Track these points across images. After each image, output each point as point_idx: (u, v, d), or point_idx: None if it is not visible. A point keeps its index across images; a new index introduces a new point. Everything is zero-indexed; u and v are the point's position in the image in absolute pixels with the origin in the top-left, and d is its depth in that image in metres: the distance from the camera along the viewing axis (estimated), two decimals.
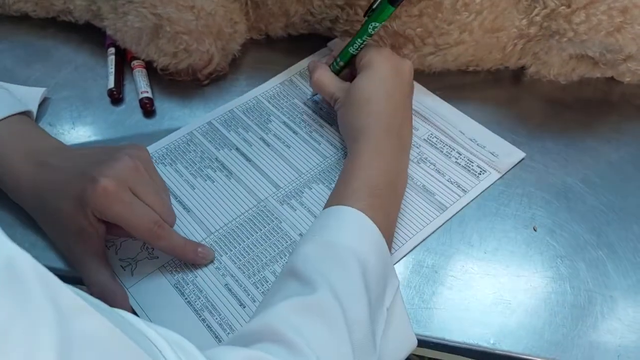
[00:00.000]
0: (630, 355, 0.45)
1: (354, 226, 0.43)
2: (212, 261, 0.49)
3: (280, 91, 0.63)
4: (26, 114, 0.54)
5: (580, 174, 0.57)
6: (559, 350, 0.45)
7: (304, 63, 0.66)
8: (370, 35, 0.54)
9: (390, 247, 0.47)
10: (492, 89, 0.65)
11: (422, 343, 0.46)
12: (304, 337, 0.35)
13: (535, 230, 0.52)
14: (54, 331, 0.22)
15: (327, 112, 0.61)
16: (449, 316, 0.47)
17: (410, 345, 0.43)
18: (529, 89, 0.65)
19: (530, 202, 0.54)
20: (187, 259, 0.48)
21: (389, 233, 0.47)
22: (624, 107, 0.64)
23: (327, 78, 0.57)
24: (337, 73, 0.59)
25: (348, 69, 0.59)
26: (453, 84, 0.65)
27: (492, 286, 0.48)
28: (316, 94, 0.62)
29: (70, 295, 0.24)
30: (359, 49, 0.56)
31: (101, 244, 0.47)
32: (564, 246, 0.51)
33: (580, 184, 0.56)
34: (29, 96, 0.60)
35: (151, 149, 0.57)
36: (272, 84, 0.64)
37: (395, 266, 0.49)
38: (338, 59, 0.58)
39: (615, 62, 0.60)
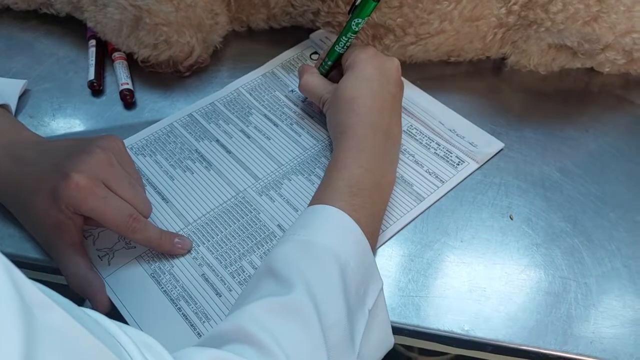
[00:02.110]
0: (603, 342, 0.45)
1: (334, 226, 0.43)
2: (189, 251, 0.49)
3: (261, 83, 0.63)
4: (4, 107, 0.54)
5: (558, 163, 0.57)
6: (533, 336, 0.45)
7: (286, 55, 0.66)
8: (355, 32, 0.54)
9: (374, 246, 0.47)
10: (473, 80, 0.65)
11: (398, 330, 0.47)
12: (274, 337, 0.35)
13: (511, 218, 0.52)
14: (17, 320, 0.22)
15: (308, 104, 0.61)
16: (424, 304, 0.47)
17: (387, 345, 0.43)
18: (509, 80, 0.65)
19: (508, 192, 0.54)
20: (164, 250, 0.48)
21: (373, 233, 0.46)
22: (604, 98, 0.64)
23: (314, 81, 0.57)
24: (327, 74, 0.59)
25: (337, 70, 0.59)
26: (434, 74, 0.65)
27: (467, 274, 0.49)
28: (306, 98, 0.61)
29: (34, 290, 0.24)
30: (345, 47, 0.56)
31: (78, 235, 0.47)
32: (540, 234, 0.51)
33: (558, 173, 0.56)
34: (9, 88, 0.60)
35: (131, 140, 0.57)
36: (254, 76, 0.64)
37: None
38: (326, 59, 0.58)
39: (594, 52, 0.61)
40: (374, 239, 0.47)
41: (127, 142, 0.57)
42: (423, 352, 1.21)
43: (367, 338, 0.41)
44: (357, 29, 0.54)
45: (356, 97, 0.51)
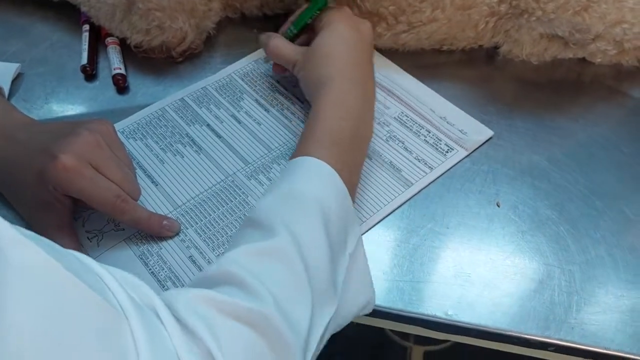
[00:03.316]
0: (585, 327, 0.45)
1: (314, 174, 0.44)
2: (177, 234, 0.49)
3: (253, 69, 0.63)
4: None
5: (546, 152, 0.57)
6: (515, 321, 0.46)
7: None
8: (326, 4, 0.55)
9: (353, 197, 0.48)
10: (466, 68, 0.65)
11: (382, 314, 0.47)
12: (259, 279, 0.36)
13: (498, 206, 0.53)
14: None
15: (300, 90, 0.61)
16: (408, 288, 0.48)
17: (367, 299, 0.43)
18: (502, 69, 0.66)
19: (495, 179, 0.55)
20: (152, 232, 0.49)
21: (351, 182, 0.47)
22: (595, 88, 0.65)
23: (283, 44, 0.58)
24: (291, 40, 0.60)
25: (303, 37, 0.60)
26: (427, 63, 0.65)
27: (452, 260, 0.49)
28: (268, 59, 0.63)
29: (8, 227, 0.25)
30: (313, 17, 0.57)
31: (67, 217, 0.47)
32: (526, 221, 0.52)
33: (546, 162, 0.56)
34: (2, 71, 0.60)
35: (123, 124, 0.58)
36: (246, 62, 0.64)
37: None
38: (292, 27, 0.59)
39: (585, 42, 0.61)
40: (352, 190, 0.47)
41: (118, 126, 0.57)
42: (419, 340, 1.22)
43: (348, 284, 0.41)
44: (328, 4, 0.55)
45: (333, 52, 0.52)
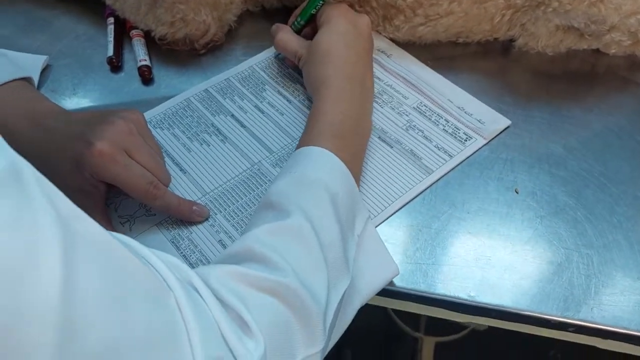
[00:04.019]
0: (604, 308, 0.47)
1: (321, 162, 0.46)
2: (207, 219, 0.51)
3: (274, 61, 0.65)
4: (27, 80, 0.56)
5: (562, 140, 0.59)
6: (535, 303, 0.47)
7: None
8: None
9: (357, 182, 0.50)
10: (482, 60, 0.67)
11: (405, 296, 0.49)
12: (280, 254, 0.38)
13: (517, 192, 0.54)
14: (55, 228, 0.24)
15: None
16: (431, 271, 0.49)
17: (390, 271, 0.46)
18: (517, 60, 0.67)
19: (513, 167, 0.56)
20: (183, 217, 0.50)
21: (355, 172, 0.49)
22: (609, 79, 0.66)
23: (289, 38, 0.60)
24: (298, 32, 0.62)
25: (309, 28, 0.62)
26: (444, 55, 0.67)
27: (473, 244, 0.51)
28: (279, 53, 0.64)
29: (67, 202, 0.27)
30: (318, 8, 0.59)
31: (101, 202, 0.49)
32: (544, 207, 0.53)
33: (562, 150, 0.58)
34: (31, 63, 0.62)
35: (149, 114, 0.59)
36: (267, 54, 0.66)
37: (381, 224, 0.51)
38: (298, 18, 0.61)
39: (600, 33, 0.62)
40: (356, 178, 0.49)
41: (146, 115, 0.58)
42: (430, 331, 1.23)
43: (358, 261, 0.44)
44: None
45: (332, 50, 0.54)
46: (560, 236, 0.51)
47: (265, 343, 0.33)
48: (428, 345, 1.23)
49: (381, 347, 1.25)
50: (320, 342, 0.36)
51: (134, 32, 0.66)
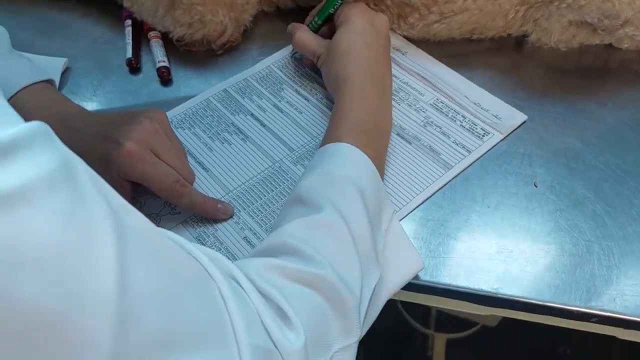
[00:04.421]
0: (625, 298, 0.48)
1: (348, 158, 0.47)
2: (231, 216, 0.52)
3: (292, 61, 0.66)
4: (49, 82, 0.57)
5: (579, 135, 0.59)
6: (559, 293, 0.48)
7: None
8: None
9: (381, 177, 0.50)
10: (495, 56, 0.67)
11: (430, 290, 0.49)
12: (315, 248, 0.39)
13: (535, 186, 0.55)
14: (108, 221, 0.25)
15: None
16: (454, 264, 0.50)
17: (416, 265, 0.46)
18: (530, 56, 0.68)
19: (531, 161, 0.57)
20: (207, 215, 0.51)
21: (379, 167, 0.50)
22: (622, 73, 0.66)
23: (308, 37, 0.61)
24: (316, 31, 0.62)
25: (327, 27, 0.62)
26: (458, 52, 0.67)
27: (494, 237, 0.51)
28: (296, 52, 0.65)
29: (117, 196, 0.27)
30: (336, 7, 0.59)
31: (128, 200, 0.50)
32: (563, 200, 0.54)
33: (579, 143, 0.58)
34: (52, 66, 0.63)
35: (169, 114, 0.60)
36: (284, 54, 0.66)
37: (403, 220, 0.52)
38: (316, 18, 0.62)
39: (613, 28, 0.63)
40: (381, 170, 0.50)
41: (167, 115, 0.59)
42: (440, 328, 1.24)
43: (386, 256, 0.45)
44: None
45: (351, 49, 0.55)
46: (580, 228, 0.52)
47: (306, 333, 0.33)
48: (440, 341, 1.23)
49: (392, 344, 1.26)
50: (356, 333, 0.37)
51: (151, 33, 0.66)
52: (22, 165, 0.23)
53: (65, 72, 0.65)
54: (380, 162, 0.51)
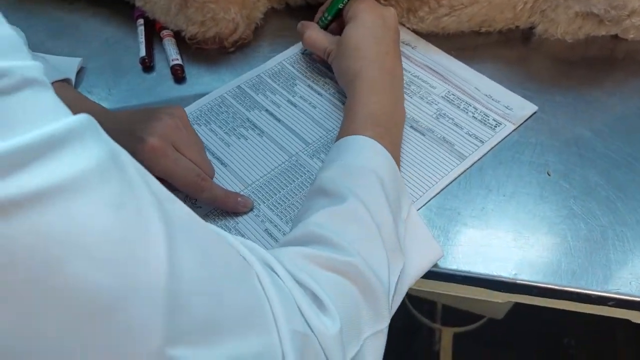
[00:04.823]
0: None
1: (366, 150, 0.48)
2: (251, 209, 0.52)
3: (303, 57, 0.67)
4: (66, 81, 0.58)
5: (588, 124, 0.60)
6: (576, 278, 0.49)
7: None
8: None
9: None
10: (504, 48, 0.68)
11: (449, 277, 0.50)
12: (342, 237, 0.39)
13: (549, 174, 0.56)
14: (155, 210, 0.26)
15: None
16: (472, 252, 0.51)
17: (435, 254, 0.47)
18: (538, 48, 0.69)
19: (543, 150, 0.58)
20: (228, 208, 0.52)
21: (396, 158, 0.51)
22: (628, 64, 0.67)
23: (317, 35, 0.62)
24: (325, 28, 0.63)
25: (336, 23, 0.63)
26: (466, 45, 0.68)
27: (510, 224, 0.52)
28: (307, 49, 0.66)
29: (160, 186, 0.28)
30: (345, 3, 0.60)
31: None
32: (577, 188, 0.55)
33: (590, 133, 0.59)
34: (67, 66, 0.63)
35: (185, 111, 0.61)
36: (295, 50, 0.67)
37: (420, 210, 0.53)
38: (326, 14, 0.63)
39: (620, 18, 0.64)
40: (397, 162, 0.51)
41: None
42: (447, 322, 1.25)
43: (406, 244, 0.45)
44: None
45: (361, 44, 0.56)
46: (595, 215, 0.53)
47: (341, 319, 0.34)
48: (447, 335, 1.24)
49: (399, 339, 1.27)
50: (386, 319, 0.38)
51: (164, 32, 0.67)
52: (75, 155, 0.24)
53: (79, 72, 0.65)
54: (396, 153, 0.52)
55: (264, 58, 0.67)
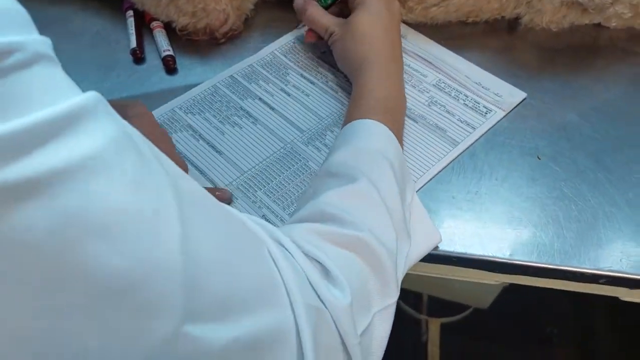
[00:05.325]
0: (631, 259, 0.50)
1: (376, 134, 0.49)
2: (230, 202, 0.53)
3: (295, 46, 0.67)
4: None
5: (576, 109, 0.62)
6: (568, 258, 0.50)
7: None
8: None
9: None
10: (491, 38, 0.70)
11: (446, 259, 0.51)
12: (352, 214, 0.40)
13: (539, 158, 0.57)
14: (169, 187, 0.26)
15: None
16: (468, 234, 0.52)
17: (434, 238, 0.49)
18: (523, 37, 0.70)
19: (533, 135, 0.59)
20: None
21: (401, 144, 0.52)
22: (611, 51, 0.69)
23: (320, 13, 0.62)
24: (325, 9, 0.63)
25: (337, 8, 0.63)
26: (454, 34, 0.69)
27: (504, 207, 0.53)
28: (303, 25, 0.66)
29: (172, 163, 0.28)
30: None
31: None
32: (566, 171, 0.56)
33: (577, 117, 0.61)
34: None
35: (179, 100, 0.61)
36: (287, 39, 0.68)
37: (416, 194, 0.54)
38: None
39: (604, 6, 0.65)
40: (402, 146, 0.52)
41: (175, 102, 0.61)
42: (433, 312, 1.26)
43: (412, 229, 0.46)
44: None
45: (371, 32, 0.57)
46: (585, 196, 0.54)
47: (352, 292, 0.35)
48: (434, 326, 1.26)
49: None
50: (394, 294, 0.39)
51: (154, 23, 0.67)
52: (91, 133, 0.24)
53: (70, 64, 0.65)
54: (400, 139, 0.52)
55: (255, 48, 0.68)
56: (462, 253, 0.51)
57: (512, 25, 0.71)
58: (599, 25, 0.70)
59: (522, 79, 0.64)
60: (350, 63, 0.58)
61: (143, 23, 0.69)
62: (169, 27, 0.67)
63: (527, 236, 0.52)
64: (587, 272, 0.50)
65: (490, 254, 0.51)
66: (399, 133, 0.52)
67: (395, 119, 0.52)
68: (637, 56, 0.68)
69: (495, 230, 0.52)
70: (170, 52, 0.65)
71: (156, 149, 0.28)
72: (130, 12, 0.68)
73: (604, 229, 0.52)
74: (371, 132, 0.49)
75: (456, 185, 0.55)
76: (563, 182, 0.55)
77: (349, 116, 0.52)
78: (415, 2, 0.67)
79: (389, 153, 0.47)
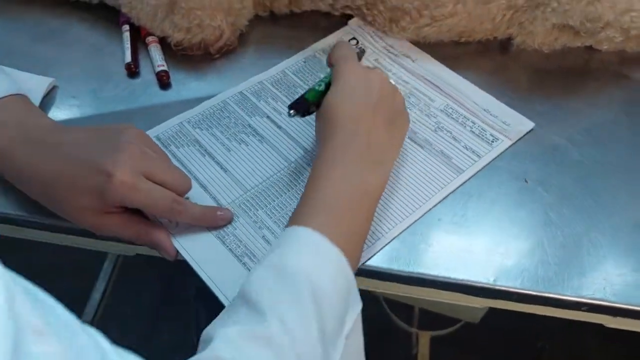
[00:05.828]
0: (614, 287, 0.50)
1: (308, 248, 0.43)
2: (230, 222, 0.53)
3: (304, 66, 0.68)
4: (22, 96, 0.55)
5: (565, 133, 0.62)
6: (551, 285, 0.51)
7: (326, 41, 0.70)
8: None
9: (356, 263, 0.48)
10: (483, 58, 0.70)
11: (429, 283, 0.52)
12: None
13: (526, 182, 0.58)
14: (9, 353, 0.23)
15: None
16: (452, 258, 0.52)
17: None
18: (515, 58, 0.70)
19: (522, 158, 0.60)
20: (208, 224, 0.52)
21: (353, 249, 0.46)
22: (602, 74, 0.70)
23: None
24: (319, 99, 0.55)
25: None
26: (447, 54, 0.70)
27: (490, 231, 0.54)
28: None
29: (31, 318, 0.26)
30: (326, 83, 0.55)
31: (128, 213, 0.50)
32: (553, 195, 0.57)
33: (566, 141, 0.61)
34: (33, 83, 0.62)
35: (187, 114, 0.62)
36: (297, 59, 0.68)
37: (407, 219, 0.54)
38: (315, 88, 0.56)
39: (595, 30, 0.66)
40: (355, 255, 0.47)
41: (184, 116, 0.62)
42: (424, 325, 1.26)
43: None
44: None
45: (337, 108, 0.51)
46: (570, 222, 0.55)
47: None
48: (424, 339, 1.26)
49: (376, 343, 1.28)
50: None
51: (149, 38, 0.68)
52: None
53: (64, 77, 0.65)
54: (355, 242, 0.47)
55: (249, 64, 0.68)
56: (446, 277, 0.51)
57: (504, 45, 0.71)
58: (590, 47, 0.71)
59: (512, 99, 0.65)
60: (318, 141, 0.53)
61: (139, 38, 0.69)
62: (164, 42, 0.68)
63: (512, 262, 0.52)
64: (570, 300, 0.50)
65: (474, 279, 0.51)
66: (352, 235, 0.46)
67: (347, 219, 0.46)
68: (628, 80, 0.69)
69: (480, 254, 0.53)
70: (164, 68, 0.65)
71: (21, 300, 0.26)
72: (126, 27, 0.69)
73: (588, 256, 0.52)
74: (301, 246, 0.43)
75: (442, 206, 0.56)
76: (549, 206, 0.56)
77: (292, 216, 0.47)
78: (407, 22, 0.67)
79: (318, 276, 0.41)
